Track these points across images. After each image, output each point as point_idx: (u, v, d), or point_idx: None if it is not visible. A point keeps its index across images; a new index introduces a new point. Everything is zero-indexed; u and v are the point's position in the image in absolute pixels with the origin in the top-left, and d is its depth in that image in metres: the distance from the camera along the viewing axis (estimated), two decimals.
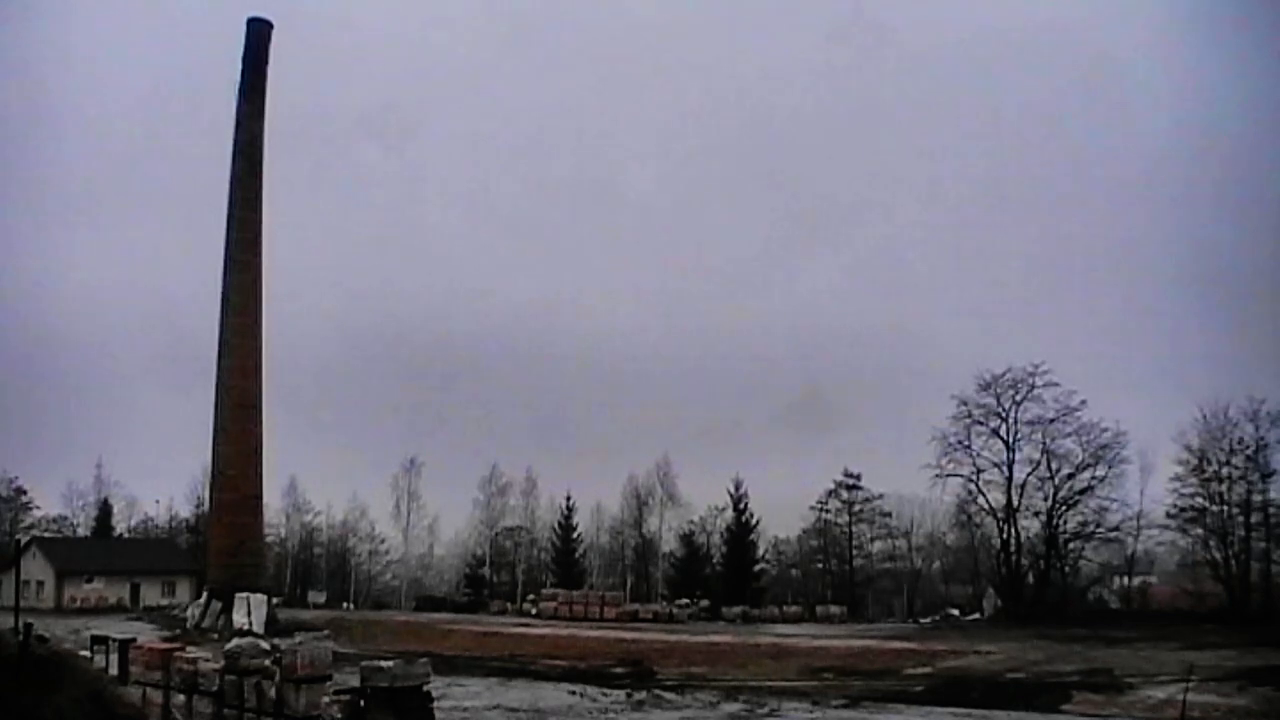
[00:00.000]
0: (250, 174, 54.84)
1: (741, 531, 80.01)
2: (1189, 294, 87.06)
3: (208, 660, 16.68)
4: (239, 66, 56.03)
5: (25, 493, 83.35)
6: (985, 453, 66.78)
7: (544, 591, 71.71)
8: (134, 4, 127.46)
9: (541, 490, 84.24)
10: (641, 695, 23.23)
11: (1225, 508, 61.76)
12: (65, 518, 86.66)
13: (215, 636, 38.15)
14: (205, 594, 52.12)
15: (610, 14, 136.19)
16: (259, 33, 56.68)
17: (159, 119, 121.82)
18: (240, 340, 52.65)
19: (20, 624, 15.74)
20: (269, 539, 72.44)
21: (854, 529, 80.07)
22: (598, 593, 70.79)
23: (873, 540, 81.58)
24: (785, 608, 70.88)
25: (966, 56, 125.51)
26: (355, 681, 14.24)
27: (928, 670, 30.48)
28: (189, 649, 18.66)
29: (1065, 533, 65.63)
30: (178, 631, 43.02)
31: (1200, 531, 62.99)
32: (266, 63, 56.54)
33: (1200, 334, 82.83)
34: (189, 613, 51.90)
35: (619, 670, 29.36)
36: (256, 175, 55.01)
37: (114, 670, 18.91)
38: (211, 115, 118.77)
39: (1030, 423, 65.53)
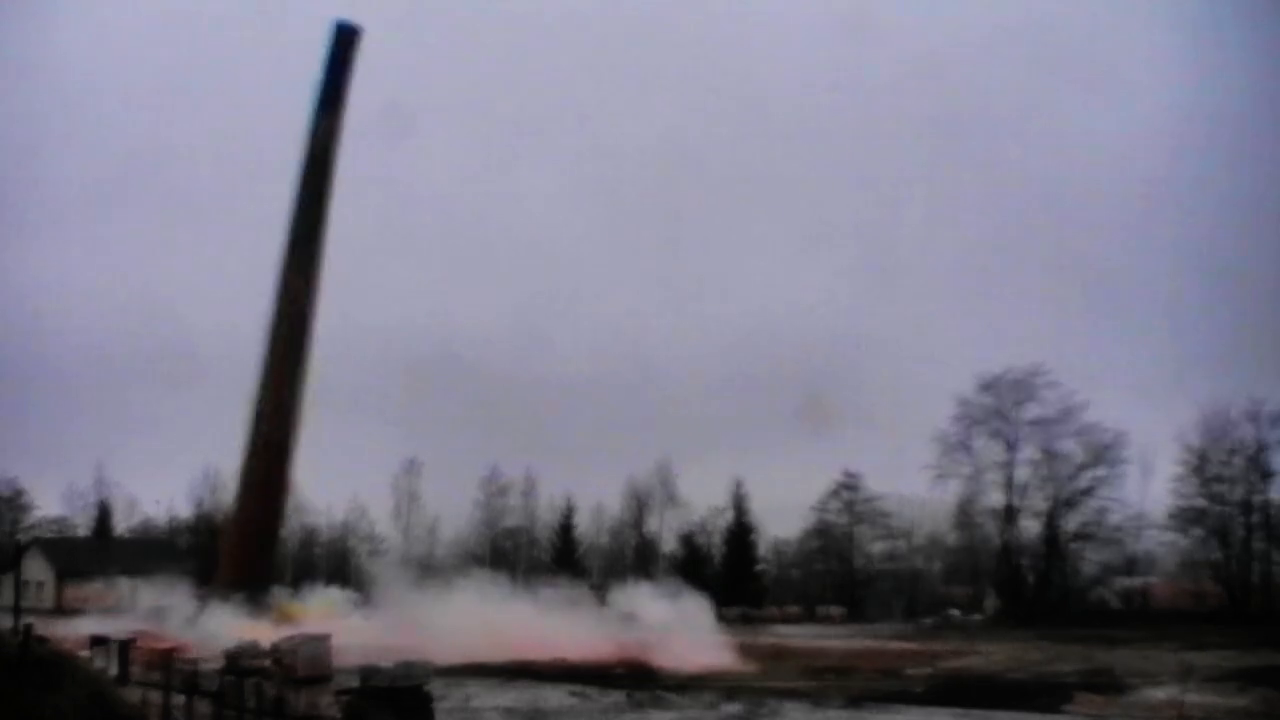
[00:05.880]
0: (318, 193, 50.53)
1: (742, 532, 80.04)
2: (1189, 294, 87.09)
3: (208, 660, 16.69)
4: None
5: (25, 493, 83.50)
6: (986, 453, 66.97)
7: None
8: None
9: (541, 490, 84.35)
10: (642, 695, 23.22)
11: (1225, 508, 61.88)
12: (65, 518, 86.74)
13: None
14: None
15: (609, 14, 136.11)
16: (346, 39, 50.91)
17: (155, 118, 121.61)
18: (287, 349, 49.80)
19: (20, 624, 15.75)
20: None
21: (854, 529, 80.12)
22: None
23: (873, 541, 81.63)
24: (785, 608, 70.83)
25: (966, 56, 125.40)
26: (355, 682, 14.24)
27: (928, 671, 30.47)
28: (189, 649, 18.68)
29: (1066, 533, 65.71)
30: None
31: (1200, 532, 63.14)
32: (350, 73, 50.93)
33: (1200, 334, 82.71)
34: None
35: (619, 671, 29.38)
36: (326, 192, 50.69)
37: (114, 670, 18.92)
38: (206, 112, 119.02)
39: (1031, 423, 65.71)
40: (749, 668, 31.39)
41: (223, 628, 35.17)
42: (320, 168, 50.84)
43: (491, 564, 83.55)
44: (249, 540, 50.45)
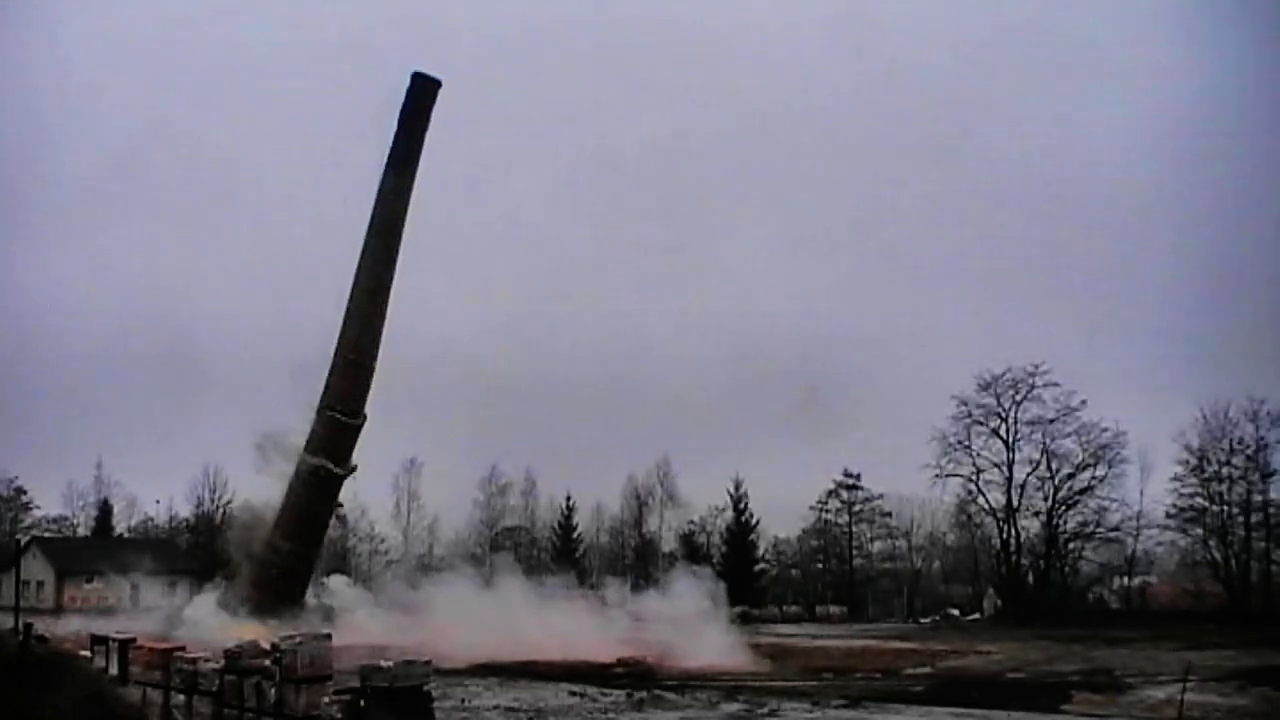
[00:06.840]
0: (386, 259, 45.02)
1: (741, 531, 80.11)
2: (1189, 294, 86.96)
3: (208, 660, 16.68)
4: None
5: (25, 493, 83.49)
6: (985, 453, 67.21)
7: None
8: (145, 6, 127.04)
9: (541, 490, 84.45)
10: (642, 695, 23.24)
11: (1225, 508, 62.01)
12: (65, 518, 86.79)
13: None
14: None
15: (607, 15, 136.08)
16: (425, 91, 44.66)
17: (155, 118, 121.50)
18: (352, 369, 45.72)
19: (20, 624, 15.75)
20: None
21: (854, 529, 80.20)
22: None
23: (873, 540, 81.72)
24: (785, 608, 70.87)
25: (964, 55, 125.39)
26: (355, 682, 14.24)
27: (928, 670, 30.53)
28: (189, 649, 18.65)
29: (1065, 533, 65.84)
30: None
31: (1200, 531, 63.25)
32: (426, 129, 44.86)
33: (1200, 334, 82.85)
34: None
35: (619, 670, 29.41)
36: (391, 260, 45.23)
37: (114, 670, 18.91)
38: (206, 112, 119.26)
39: (1030, 423, 65.92)
40: (749, 667, 31.40)
41: (218, 628, 35.15)
42: (393, 229, 45.35)
43: (491, 564, 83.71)
44: (286, 567, 45.52)
